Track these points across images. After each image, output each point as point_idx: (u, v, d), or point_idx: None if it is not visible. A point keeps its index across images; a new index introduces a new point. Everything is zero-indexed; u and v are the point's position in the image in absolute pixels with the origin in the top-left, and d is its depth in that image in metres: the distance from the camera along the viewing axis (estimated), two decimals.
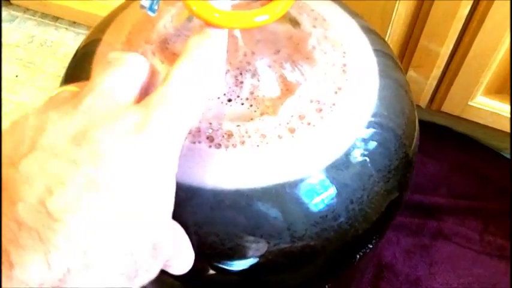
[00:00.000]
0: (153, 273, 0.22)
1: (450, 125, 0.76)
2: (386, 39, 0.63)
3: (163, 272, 0.32)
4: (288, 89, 0.32)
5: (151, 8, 0.28)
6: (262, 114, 0.31)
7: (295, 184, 0.29)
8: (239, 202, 0.29)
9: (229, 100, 0.31)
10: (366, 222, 0.32)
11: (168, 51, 0.33)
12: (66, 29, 0.94)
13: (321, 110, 0.31)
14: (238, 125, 0.30)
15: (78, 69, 0.35)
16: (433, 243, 0.67)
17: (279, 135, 0.30)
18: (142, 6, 0.28)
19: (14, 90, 0.87)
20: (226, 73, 0.31)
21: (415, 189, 0.69)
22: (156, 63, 0.32)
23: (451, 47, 0.61)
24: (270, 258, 0.30)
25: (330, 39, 0.34)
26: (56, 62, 0.90)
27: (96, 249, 0.19)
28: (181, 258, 0.25)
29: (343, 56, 0.34)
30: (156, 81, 0.24)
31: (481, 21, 0.56)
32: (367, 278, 0.64)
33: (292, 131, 0.30)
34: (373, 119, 0.32)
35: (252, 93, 0.31)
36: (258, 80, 0.32)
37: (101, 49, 0.35)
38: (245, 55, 0.32)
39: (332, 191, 0.30)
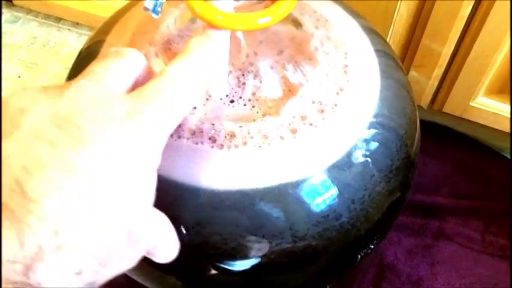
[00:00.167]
0: (130, 262, 0.22)
1: (451, 125, 0.76)
2: (388, 39, 0.63)
3: (165, 271, 0.33)
4: (290, 90, 0.32)
5: (154, 10, 0.28)
6: (264, 115, 0.31)
7: (297, 184, 0.29)
8: (241, 202, 0.29)
9: (232, 101, 0.31)
10: (368, 222, 0.32)
11: (172, 52, 0.33)
12: (69, 30, 0.95)
13: (322, 111, 0.31)
14: (240, 126, 0.30)
15: (82, 70, 0.36)
16: (435, 243, 0.67)
17: (281, 136, 0.30)
18: (145, 8, 0.28)
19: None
20: (228, 74, 0.31)
21: (416, 189, 0.69)
22: (160, 65, 0.32)
23: (452, 46, 0.61)
24: (272, 258, 0.30)
25: (332, 40, 0.35)
26: (58, 63, 0.90)
27: (68, 231, 0.19)
28: (165, 247, 0.25)
29: (345, 57, 0.34)
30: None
31: (483, 21, 0.56)
32: (368, 278, 0.64)
33: (294, 131, 0.30)
34: (374, 120, 0.32)
35: (254, 94, 0.32)
36: (260, 81, 0.32)
37: (104, 50, 0.35)
38: (247, 56, 0.32)
39: (334, 191, 0.30)
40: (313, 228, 0.30)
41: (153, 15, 0.28)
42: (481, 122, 0.67)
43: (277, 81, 0.32)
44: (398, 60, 0.38)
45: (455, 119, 0.70)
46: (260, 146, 0.29)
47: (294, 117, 0.31)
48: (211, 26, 0.26)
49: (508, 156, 0.75)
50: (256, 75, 0.32)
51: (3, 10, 0.98)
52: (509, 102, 0.63)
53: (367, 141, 0.32)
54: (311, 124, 0.30)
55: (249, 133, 0.30)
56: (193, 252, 0.30)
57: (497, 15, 0.54)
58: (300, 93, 0.31)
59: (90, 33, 0.95)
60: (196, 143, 0.30)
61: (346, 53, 0.34)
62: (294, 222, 0.30)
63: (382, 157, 0.32)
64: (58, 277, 0.19)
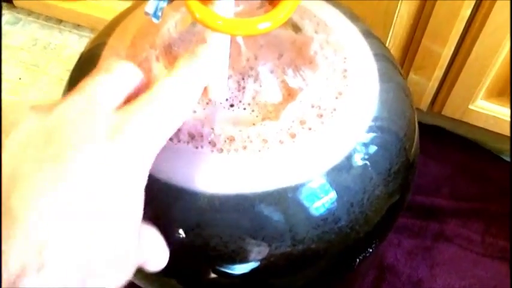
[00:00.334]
0: (115, 281, 0.21)
1: (451, 128, 0.76)
2: (388, 40, 0.64)
3: (165, 274, 0.33)
4: (289, 94, 0.32)
5: (155, 15, 0.28)
6: (264, 119, 0.31)
7: (296, 188, 0.29)
8: (241, 205, 0.29)
9: (232, 105, 0.32)
10: (367, 225, 0.32)
11: (172, 56, 0.33)
12: (70, 31, 0.95)
13: (321, 116, 0.31)
14: (240, 130, 0.30)
15: (83, 73, 0.36)
16: (434, 245, 0.67)
17: (280, 140, 0.30)
18: (146, 13, 0.28)
19: (17, 92, 0.87)
20: (228, 78, 0.32)
21: (416, 191, 0.69)
22: (160, 68, 0.33)
23: (452, 48, 0.61)
24: (272, 261, 0.30)
25: (331, 44, 0.35)
26: (59, 65, 0.90)
27: (51, 249, 0.19)
28: (155, 259, 0.25)
29: (344, 61, 0.34)
30: None
31: (483, 23, 0.56)
32: (368, 279, 0.64)
33: (293, 136, 0.30)
34: (373, 123, 0.32)
35: (254, 98, 0.32)
36: (260, 85, 0.32)
37: (105, 53, 0.35)
38: (248, 60, 0.32)
39: (333, 194, 0.30)
40: (312, 231, 0.30)
41: (154, 19, 0.28)
42: (481, 125, 0.67)
43: (277, 85, 0.32)
44: (397, 64, 0.39)
45: (455, 122, 0.70)
46: (260, 150, 0.30)
47: (293, 121, 0.31)
48: (212, 30, 0.26)
49: (508, 159, 0.75)
50: (256, 80, 0.32)
51: (4, 11, 0.98)
52: (508, 106, 0.63)
53: (366, 145, 0.32)
54: (310, 129, 0.31)
55: (248, 137, 0.30)
56: (193, 254, 0.30)
57: (497, 17, 0.54)
58: (300, 98, 0.32)
59: (91, 35, 0.95)
60: (196, 147, 0.30)
61: (345, 57, 0.34)
62: (293, 225, 0.30)
63: (381, 160, 0.32)
64: None
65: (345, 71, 0.34)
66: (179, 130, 0.30)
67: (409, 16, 0.61)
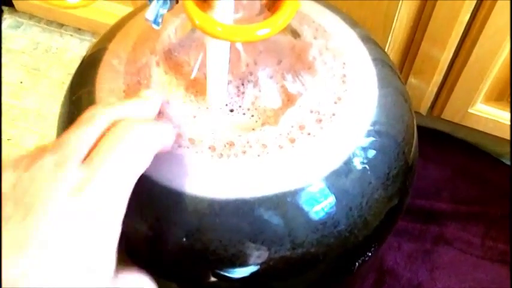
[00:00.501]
0: None
1: (451, 131, 0.76)
2: (387, 44, 0.64)
3: (166, 278, 0.33)
4: (289, 99, 0.32)
5: (155, 21, 0.28)
6: (263, 124, 0.31)
7: (295, 193, 0.29)
8: (241, 210, 0.29)
9: (231, 110, 0.32)
10: (366, 229, 0.32)
11: (172, 61, 0.33)
12: (71, 35, 0.95)
13: (320, 121, 0.31)
14: (239, 135, 0.30)
15: (84, 78, 0.36)
16: (434, 249, 0.67)
17: (279, 145, 0.30)
18: (147, 19, 0.28)
19: (18, 96, 0.87)
20: (228, 83, 0.32)
21: (416, 194, 0.69)
22: (160, 74, 0.33)
23: (452, 52, 0.61)
24: (271, 265, 0.30)
25: (330, 50, 0.35)
26: (60, 68, 0.91)
27: None
28: None
29: (343, 67, 0.34)
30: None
31: (482, 27, 0.56)
32: (368, 283, 0.64)
33: (292, 141, 0.30)
34: (372, 128, 0.33)
35: (253, 103, 0.32)
36: (260, 91, 0.32)
37: (106, 57, 0.36)
38: (247, 65, 0.32)
39: (332, 199, 0.30)
40: (311, 235, 0.30)
41: (154, 26, 0.29)
42: (480, 128, 0.67)
43: (276, 90, 0.32)
44: (396, 69, 0.39)
45: (455, 125, 0.70)
46: (259, 155, 0.30)
47: (292, 126, 0.31)
48: (212, 37, 0.26)
49: (508, 162, 0.75)
50: (255, 85, 0.32)
51: (6, 15, 0.98)
52: (507, 110, 0.64)
53: (365, 149, 0.32)
54: (309, 134, 0.31)
55: (248, 142, 0.30)
56: (193, 258, 0.30)
57: (496, 20, 0.55)
58: (299, 103, 0.32)
59: (92, 39, 0.96)
60: (196, 152, 0.30)
61: (344, 63, 0.35)
62: (292, 229, 0.30)
63: (379, 164, 0.33)
64: None
65: (344, 76, 0.34)
66: (179, 135, 0.30)
67: (408, 20, 0.61)
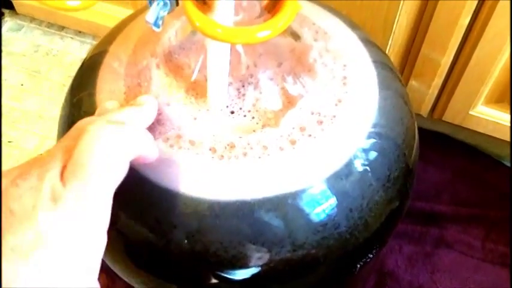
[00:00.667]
0: None
1: (451, 133, 0.76)
2: (388, 48, 0.64)
3: (166, 279, 0.33)
4: (289, 101, 0.32)
5: (156, 24, 0.28)
6: (264, 126, 0.31)
7: (296, 194, 0.29)
8: (241, 211, 0.29)
9: (232, 112, 0.32)
10: (367, 230, 0.32)
11: (173, 63, 0.33)
12: (72, 38, 0.95)
13: (321, 122, 0.32)
14: (240, 137, 0.31)
15: (85, 80, 0.36)
16: (435, 251, 0.67)
17: (280, 147, 0.30)
18: (147, 22, 0.28)
19: (19, 98, 0.87)
20: (229, 85, 0.32)
21: (417, 197, 0.69)
22: (161, 76, 0.33)
23: (452, 55, 0.61)
24: (272, 266, 0.30)
25: (331, 52, 0.35)
26: (61, 71, 0.91)
27: None
28: None
29: (344, 69, 0.34)
30: None
31: (482, 30, 0.56)
32: (369, 285, 0.64)
33: (293, 142, 0.31)
34: (373, 130, 0.33)
35: (254, 105, 0.32)
36: (260, 93, 0.32)
37: (107, 60, 0.36)
38: (248, 68, 0.32)
39: (332, 200, 0.30)
40: (312, 237, 0.30)
41: (155, 28, 0.29)
42: (481, 130, 0.67)
43: (277, 92, 0.32)
44: (397, 71, 0.39)
45: (455, 127, 0.70)
46: (260, 157, 0.30)
47: (293, 128, 0.31)
48: (212, 39, 0.26)
49: (508, 164, 0.75)
50: (256, 87, 0.32)
51: (7, 18, 0.99)
52: (507, 111, 0.64)
53: (365, 151, 0.32)
54: (310, 135, 0.31)
55: (248, 144, 0.30)
56: (193, 260, 0.30)
57: (496, 23, 0.55)
58: (299, 105, 0.32)
59: (93, 42, 0.96)
60: (197, 154, 0.30)
61: (344, 65, 0.35)
62: (293, 231, 0.30)
63: (380, 166, 0.33)
64: None
65: (345, 78, 0.34)
66: (180, 137, 0.30)
67: (408, 23, 0.61)
